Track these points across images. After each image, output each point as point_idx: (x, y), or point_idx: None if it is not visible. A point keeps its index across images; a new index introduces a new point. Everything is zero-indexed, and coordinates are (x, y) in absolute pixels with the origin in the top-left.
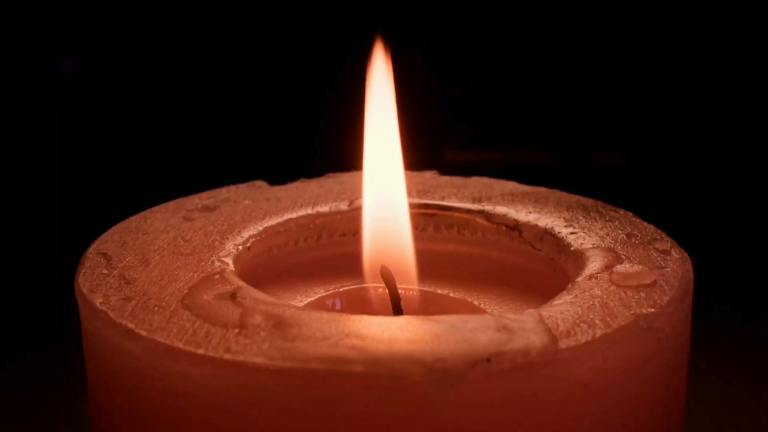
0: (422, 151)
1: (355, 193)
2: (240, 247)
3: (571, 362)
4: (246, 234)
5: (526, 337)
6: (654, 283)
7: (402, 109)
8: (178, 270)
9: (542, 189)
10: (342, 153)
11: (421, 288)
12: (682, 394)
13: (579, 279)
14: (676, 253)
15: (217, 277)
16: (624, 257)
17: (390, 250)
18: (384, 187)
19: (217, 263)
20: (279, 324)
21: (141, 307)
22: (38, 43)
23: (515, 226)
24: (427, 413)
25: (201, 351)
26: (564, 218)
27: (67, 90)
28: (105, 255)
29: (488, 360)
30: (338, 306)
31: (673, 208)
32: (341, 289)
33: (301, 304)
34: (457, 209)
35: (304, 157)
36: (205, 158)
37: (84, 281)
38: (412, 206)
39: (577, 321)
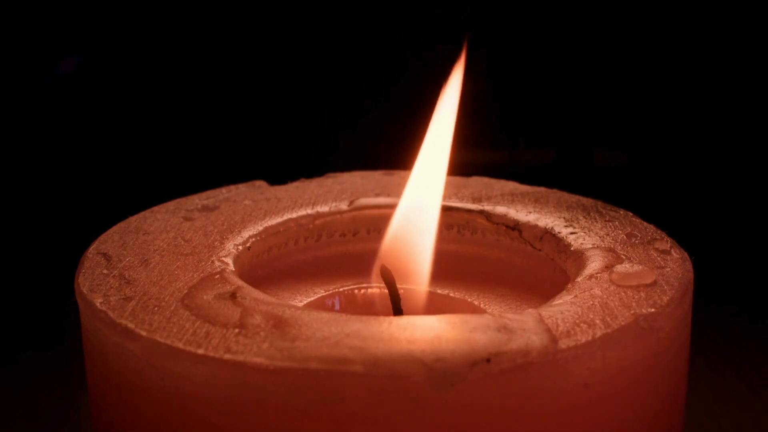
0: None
1: (356, 193)
2: (240, 247)
3: (571, 362)
4: (246, 234)
5: (526, 337)
6: (654, 283)
7: None
8: (178, 270)
9: (542, 189)
10: (343, 153)
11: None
12: (682, 394)
13: (579, 279)
14: (676, 253)
15: (217, 277)
16: (624, 257)
17: (408, 253)
18: (423, 191)
19: (217, 263)
20: (279, 324)
21: (141, 307)
22: (38, 43)
23: (515, 226)
24: (427, 413)
25: (201, 351)
26: (564, 218)
27: (67, 90)
28: (105, 255)
29: (488, 360)
30: (338, 306)
31: (673, 208)
32: (341, 289)
33: (301, 304)
34: (457, 209)
35: (304, 157)
36: (205, 158)
37: (84, 281)
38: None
39: (577, 321)
